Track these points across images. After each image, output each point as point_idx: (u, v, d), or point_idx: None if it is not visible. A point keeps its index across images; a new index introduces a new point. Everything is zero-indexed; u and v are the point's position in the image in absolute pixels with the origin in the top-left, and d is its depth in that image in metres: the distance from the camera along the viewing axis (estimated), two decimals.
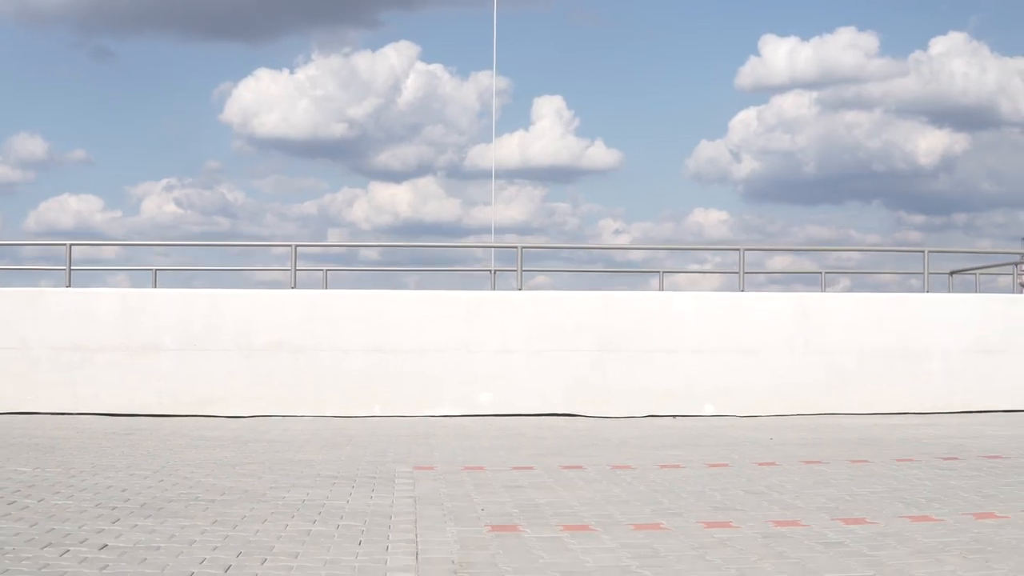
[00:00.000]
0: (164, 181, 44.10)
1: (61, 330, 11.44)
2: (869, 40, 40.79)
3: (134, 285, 16.07)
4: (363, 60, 41.51)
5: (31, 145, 43.09)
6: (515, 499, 5.83)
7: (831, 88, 42.07)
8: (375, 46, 46.68)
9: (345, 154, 43.18)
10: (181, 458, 7.64)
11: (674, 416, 11.49)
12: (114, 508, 5.45)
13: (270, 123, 40.50)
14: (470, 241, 36.04)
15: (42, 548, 4.39)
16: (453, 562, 4.24)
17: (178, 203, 42.15)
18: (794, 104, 41.86)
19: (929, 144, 41.32)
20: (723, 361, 11.73)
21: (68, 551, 4.34)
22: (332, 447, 8.44)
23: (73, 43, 44.35)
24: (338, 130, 39.80)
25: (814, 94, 42.33)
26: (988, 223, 40.98)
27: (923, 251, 12.72)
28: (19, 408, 11.26)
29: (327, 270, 14.60)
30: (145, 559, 4.25)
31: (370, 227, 39.73)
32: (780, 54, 40.47)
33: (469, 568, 4.13)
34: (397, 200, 41.07)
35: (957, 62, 39.48)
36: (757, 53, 42.85)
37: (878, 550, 4.51)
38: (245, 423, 10.58)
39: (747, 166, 42.64)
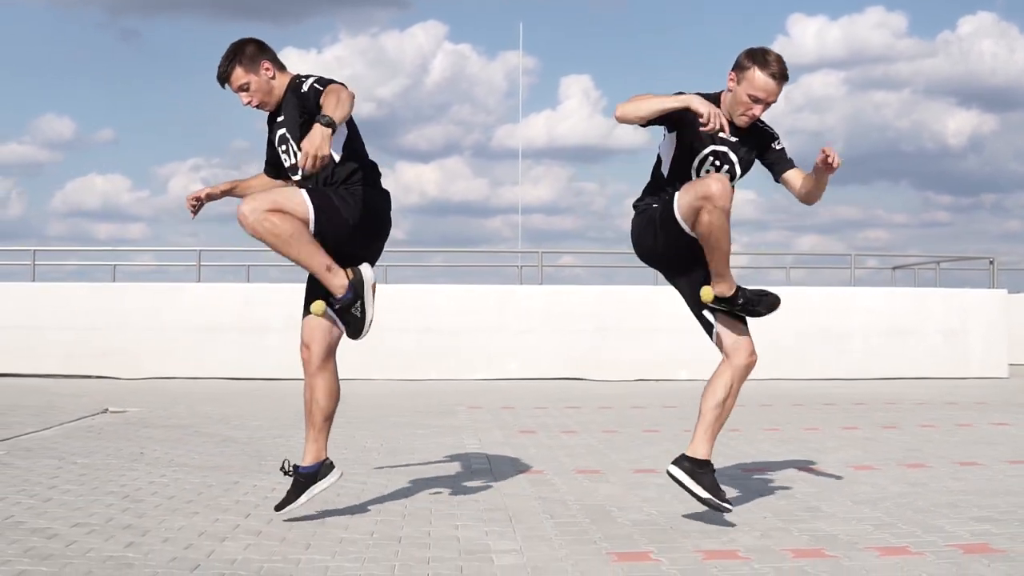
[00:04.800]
0: (191, 161, 43.02)
1: (193, 315, 15.21)
2: (898, 20, 40.23)
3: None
4: (391, 40, 41.28)
5: (58, 126, 42.31)
6: (534, 420, 9.56)
7: (859, 68, 41.26)
8: (403, 26, 46.04)
9: (372, 134, 42.03)
10: None
11: (657, 380, 15.17)
12: (290, 425, 9.17)
13: None
14: (497, 221, 38.11)
15: (269, 439, 8.12)
16: (500, 443, 7.96)
17: (205, 183, 41.38)
18: (822, 84, 40.83)
19: (958, 124, 40.68)
20: (694, 338, 15.35)
21: (279, 438, 8.07)
22: (407, 398, 12.15)
23: (100, 24, 43.77)
24: (366, 110, 39.02)
25: (842, 74, 41.50)
26: (1016, 204, 40.96)
27: (851, 255, 16.39)
28: (160, 375, 15.02)
29: (387, 266, 18.37)
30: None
31: (397, 207, 40.00)
32: (808, 33, 39.72)
33: (508, 444, 7.85)
34: (424, 179, 40.52)
35: (986, 42, 39.00)
36: (785, 32, 41.44)
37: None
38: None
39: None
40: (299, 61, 40.63)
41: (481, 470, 6.63)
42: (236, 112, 41.62)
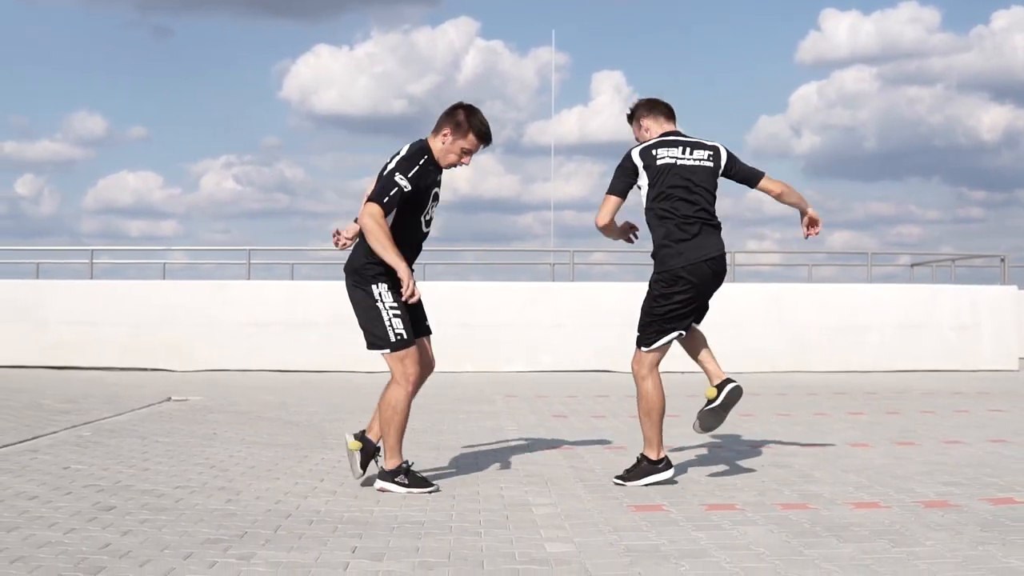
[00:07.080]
0: (223, 158, 43.93)
1: (241, 311, 16.15)
2: (931, 14, 40.74)
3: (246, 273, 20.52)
4: (422, 36, 41.73)
5: (90, 123, 43.24)
6: (565, 406, 10.43)
7: (892, 63, 41.52)
8: (434, 22, 46.59)
9: (404, 131, 42.85)
10: (360, 392, 12.27)
11: (681, 372, 15.97)
12: (345, 410, 10.05)
13: (329, 100, 40.50)
14: (529, 218, 38.66)
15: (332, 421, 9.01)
16: (535, 425, 8.82)
17: (237, 180, 42.04)
18: (855, 79, 41.27)
19: (991, 119, 40.89)
20: (715, 332, 16.18)
21: (336, 421, 8.95)
22: (448, 387, 13.03)
23: (132, 21, 44.48)
24: (397, 107, 39.53)
25: (875, 69, 41.79)
26: None
27: (867, 253, 17.15)
28: (211, 367, 15.98)
29: (425, 264, 19.27)
30: None
31: None
32: (841, 28, 40.14)
33: (542, 427, 8.71)
34: (456, 176, 39.94)
35: (1019, 37, 39.20)
36: (818, 28, 42.26)
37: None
38: (376, 376, 15.18)
39: (807, 142, 41.97)
40: (331, 58, 41.28)
41: (519, 446, 7.50)
42: (267, 109, 43.43)
